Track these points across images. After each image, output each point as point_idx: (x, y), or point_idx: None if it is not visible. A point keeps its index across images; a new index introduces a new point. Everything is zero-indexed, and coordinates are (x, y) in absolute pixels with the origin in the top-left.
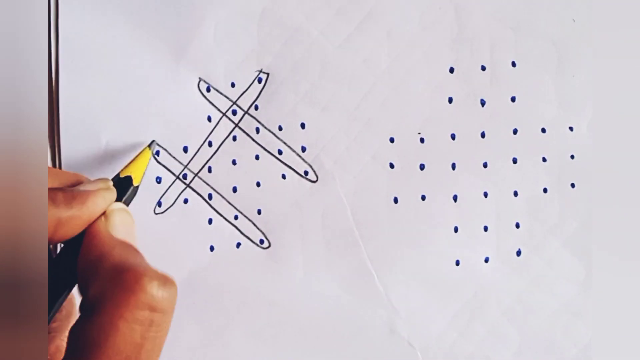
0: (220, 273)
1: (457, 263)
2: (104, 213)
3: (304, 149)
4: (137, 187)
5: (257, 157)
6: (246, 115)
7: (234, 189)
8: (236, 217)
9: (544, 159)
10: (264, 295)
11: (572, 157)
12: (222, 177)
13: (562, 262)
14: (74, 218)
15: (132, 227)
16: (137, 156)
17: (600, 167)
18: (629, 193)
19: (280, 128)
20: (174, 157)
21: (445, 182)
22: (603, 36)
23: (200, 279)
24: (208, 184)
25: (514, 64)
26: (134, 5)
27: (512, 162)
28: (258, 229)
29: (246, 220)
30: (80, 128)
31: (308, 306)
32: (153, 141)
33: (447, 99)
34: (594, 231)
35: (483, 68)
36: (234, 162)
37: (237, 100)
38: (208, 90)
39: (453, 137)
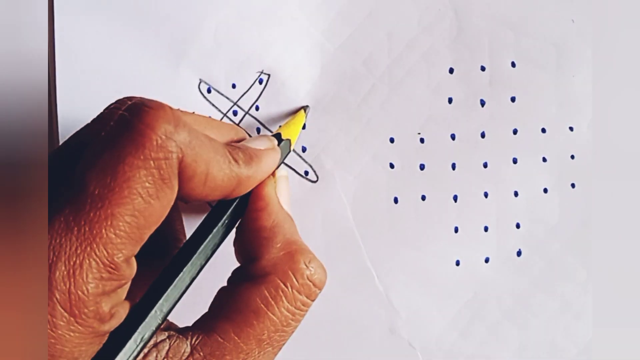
0: (223, 274)
1: (458, 263)
2: (272, 174)
3: (304, 149)
4: (290, 151)
5: None
6: (247, 116)
7: None
8: None
9: (544, 159)
10: None
11: (573, 157)
12: None
13: (562, 262)
14: (251, 178)
15: (289, 195)
16: (292, 118)
17: (600, 167)
18: (629, 193)
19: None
20: None
21: (446, 182)
22: (603, 36)
23: (202, 280)
24: None
25: (513, 64)
26: (132, 5)
27: (512, 162)
28: None
29: None
30: None
31: None
32: (307, 106)
33: (446, 99)
34: (594, 231)
35: (483, 68)
36: None
37: (237, 101)
38: (209, 91)
39: (453, 137)
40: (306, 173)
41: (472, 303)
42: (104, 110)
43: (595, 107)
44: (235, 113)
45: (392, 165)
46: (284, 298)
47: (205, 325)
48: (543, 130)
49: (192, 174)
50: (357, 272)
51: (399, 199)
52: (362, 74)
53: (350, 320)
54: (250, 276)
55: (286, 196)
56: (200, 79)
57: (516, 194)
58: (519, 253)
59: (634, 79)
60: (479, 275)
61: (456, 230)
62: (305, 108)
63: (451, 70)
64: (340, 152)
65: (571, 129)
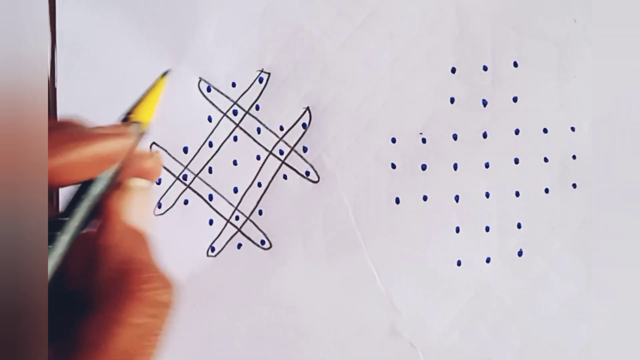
0: (221, 274)
1: (459, 263)
2: (123, 186)
3: (305, 149)
4: (144, 132)
5: (258, 157)
6: (247, 115)
7: (235, 190)
8: (237, 218)
9: (546, 159)
10: (265, 296)
11: (574, 157)
12: (222, 177)
13: (563, 262)
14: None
15: (149, 208)
16: (147, 92)
17: (601, 167)
18: (630, 193)
19: (281, 128)
20: (174, 158)
21: (447, 183)
22: (604, 36)
23: (201, 281)
24: (209, 185)
25: (515, 65)
26: (133, 4)
27: (513, 162)
28: (259, 229)
29: (247, 221)
30: None
31: (309, 307)
32: (168, 70)
33: (449, 99)
34: (595, 231)
35: (485, 68)
36: (234, 163)
37: (237, 100)
38: (209, 90)
39: (455, 137)
40: (307, 173)
41: (473, 303)
42: None
43: (596, 107)
44: (235, 112)
45: (393, 166)
46: (117, 327)
47: None
48: (545, 131)
49: None
50: (358, 272)
51: (400, 199)
52: (363, 73)
53: (351, 321)
54: (81, 303)
55: (139, 209)
56: (200, 78)
57: (517, 194)
58: (520, 253)
59: (635, 79)
60: (480, 275)
61: (457, 230)
62: (164, 74)
63: (453, 70)
64: (341, 152)
65: (573, 129)
